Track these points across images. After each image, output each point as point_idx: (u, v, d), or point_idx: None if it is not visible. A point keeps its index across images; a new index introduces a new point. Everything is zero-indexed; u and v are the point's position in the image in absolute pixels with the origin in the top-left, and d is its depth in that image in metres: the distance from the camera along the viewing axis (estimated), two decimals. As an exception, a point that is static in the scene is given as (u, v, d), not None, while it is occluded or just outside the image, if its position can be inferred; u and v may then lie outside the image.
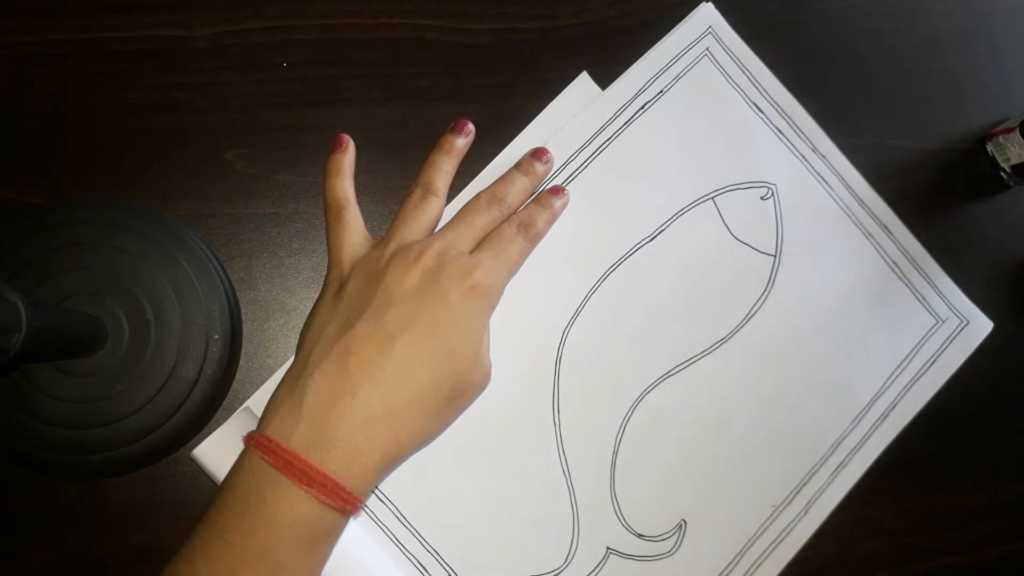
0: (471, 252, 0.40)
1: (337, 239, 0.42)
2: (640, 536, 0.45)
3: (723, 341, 0.47)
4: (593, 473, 0.45)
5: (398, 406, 0.36)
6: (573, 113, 0.46)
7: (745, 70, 0.48)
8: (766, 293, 0.47)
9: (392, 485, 0.43)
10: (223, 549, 0.33)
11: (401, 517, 0.43)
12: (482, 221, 0.41)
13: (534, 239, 0.42)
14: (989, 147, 0.51)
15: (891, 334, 0.48)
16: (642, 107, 0.47)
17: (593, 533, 0.44)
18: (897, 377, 0.48)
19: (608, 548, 0.44)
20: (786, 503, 0.46)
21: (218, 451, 0.41)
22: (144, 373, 0.40)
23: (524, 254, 0.42)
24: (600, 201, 0.46)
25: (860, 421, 0.47)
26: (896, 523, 0.48)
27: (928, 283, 0.49)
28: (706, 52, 0.48)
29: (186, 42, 0.45)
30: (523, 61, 0.47)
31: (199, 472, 0.43)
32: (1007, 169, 0.50)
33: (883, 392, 0.48)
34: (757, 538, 0.45)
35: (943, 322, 0.48)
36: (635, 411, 0.45)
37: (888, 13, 0.51)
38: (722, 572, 0.45)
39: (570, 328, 0.45)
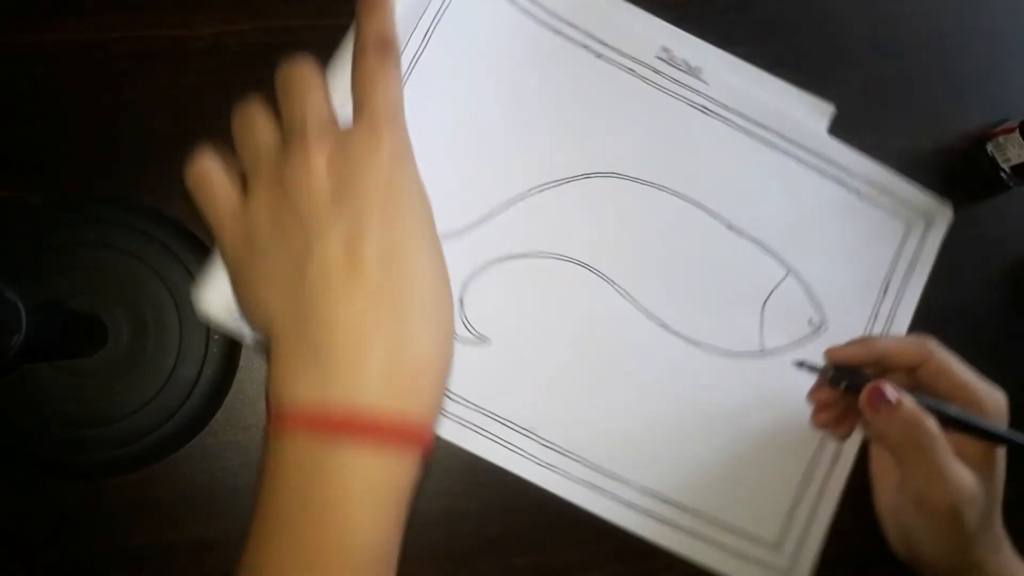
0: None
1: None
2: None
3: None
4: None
5: (427, 300, 0.31)
6: None
7: None
8: None
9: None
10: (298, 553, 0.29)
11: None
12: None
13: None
14: (989, 147, 0.51)
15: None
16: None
17: None
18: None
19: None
20: None
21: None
22: (144, 373, 0.40)
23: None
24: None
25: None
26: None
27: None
28: None
29: (187, 42, 0.45)
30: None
31: (199, 472, 0.43)
32: (1007, 169, 0.50)
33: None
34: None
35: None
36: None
37: (888, 14, 0.51)
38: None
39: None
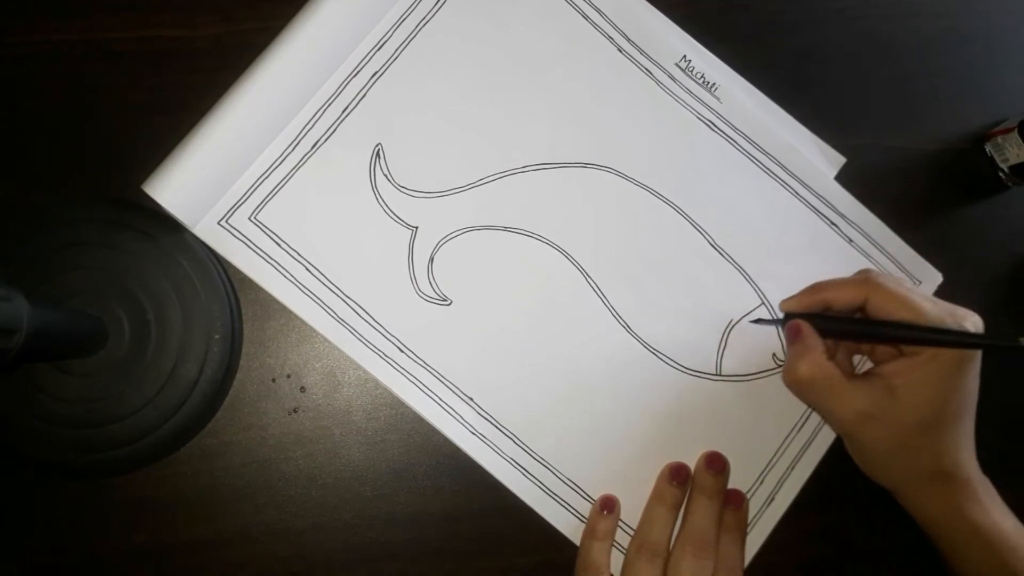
0: None
1: None
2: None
3: None
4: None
5: None
6: None
7: None
8: None
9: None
10: None
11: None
12: None
13: None
14: (987, 148, 0.51)
15: None
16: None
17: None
18: None
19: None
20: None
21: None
22: (145, 373, 0.40)
23: None
24: None
25: None
26: (892, 522, 0.48)
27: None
28: None
29: (187, 42, 0.45)
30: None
31: (199, 471, 0.43)
32: (1005, 169, 0.50)
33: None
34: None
35: None
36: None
37: (886, 15, 0.51)
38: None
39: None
